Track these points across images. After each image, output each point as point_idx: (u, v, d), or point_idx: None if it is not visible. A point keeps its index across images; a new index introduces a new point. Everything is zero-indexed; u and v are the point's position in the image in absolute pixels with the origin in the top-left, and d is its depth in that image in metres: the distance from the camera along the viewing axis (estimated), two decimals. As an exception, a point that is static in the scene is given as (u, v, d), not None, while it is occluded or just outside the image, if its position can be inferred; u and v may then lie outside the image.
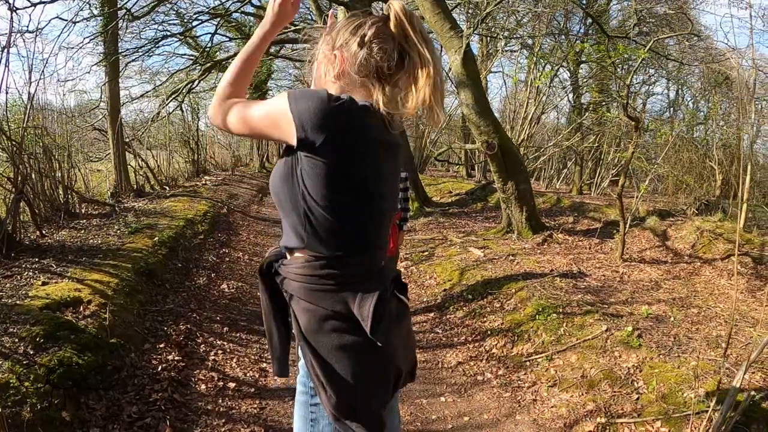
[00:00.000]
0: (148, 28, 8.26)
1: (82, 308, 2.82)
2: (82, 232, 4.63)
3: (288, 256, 1.26)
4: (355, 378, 1.16)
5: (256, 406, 2.70)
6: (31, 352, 2.18)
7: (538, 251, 5.77)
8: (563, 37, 9.90)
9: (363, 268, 1.19)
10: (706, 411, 2.42)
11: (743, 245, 4.88)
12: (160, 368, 2.76)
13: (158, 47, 7.61)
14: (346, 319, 1.16)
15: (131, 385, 2.48)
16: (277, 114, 1.11)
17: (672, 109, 12.37)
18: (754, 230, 5.20)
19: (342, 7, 8.66)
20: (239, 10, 8.22)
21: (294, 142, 1.09)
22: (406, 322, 1.32)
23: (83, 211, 5.52)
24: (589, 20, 9.56)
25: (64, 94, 8.06)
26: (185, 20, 8.60)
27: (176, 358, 2.96)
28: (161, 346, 3.07)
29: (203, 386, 2.78)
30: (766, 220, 5.95)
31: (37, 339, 2.27)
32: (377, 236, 1.23)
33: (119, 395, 2.35)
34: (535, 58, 9.48)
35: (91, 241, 4.33)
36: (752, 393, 2.55)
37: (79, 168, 6.14)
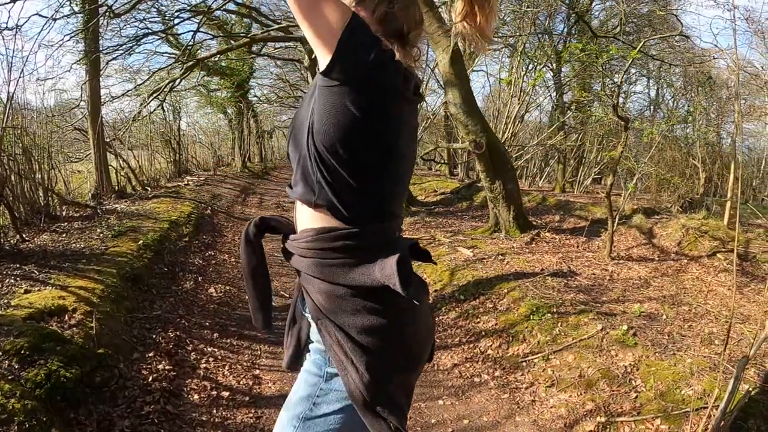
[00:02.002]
0: (128, 26, 8.07)
1: (67, 317, 2.70)
2: (64, 235, 4.47)
3: (296, 230, 1.19)
4: (387, 357, 1.08)
5: (252, 415, 2.62)
6: (16, 367, 2.07)
7: (527, 250, 5.78)
8: (546, 36, 9.97)
9: (380, 239, 1.11)
10: (706, 407, 2.43)
11: (728, 242, 4.97)
12: (150, 378, 2.66)
13: (139, 45, 7.44)
14: (370, 295, 1.07)
15: (122, 397, 2.38)
16: (333, 16, 0.99)
17: (652, 107, 12.59)
18: (737, 227, 5.29)
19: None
20: (221, 8, 8.09)
21: (323, 58, 1.00)
22: (426, 296, 1.24)
23: (64, 213, 5.33)
24: (572, 20, 9.66)
25: (44, 93, 7.80)
26: (166, 18, 8.41)
27: (167, 367, 2.86)
28: (150, 354, 2.96)
29: (196, 396, 2.69)
30: (747, 217, 6.06)
31: (22, 352, 2.16)
32: (395, 203, 1.16)
33: (110, 409, 2.25)
34: (519, 58, 9.52)
35: (74, 245, 4.18)
36: (748, 389, 2.58)
37: (59, 169, 5.94)
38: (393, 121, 1.08)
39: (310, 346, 1.20)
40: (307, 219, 1.14)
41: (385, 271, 1.04)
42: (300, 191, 1.12)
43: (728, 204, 5.03)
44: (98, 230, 4.78)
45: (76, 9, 6.05)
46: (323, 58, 1.00)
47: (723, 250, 4.85)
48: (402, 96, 1.08)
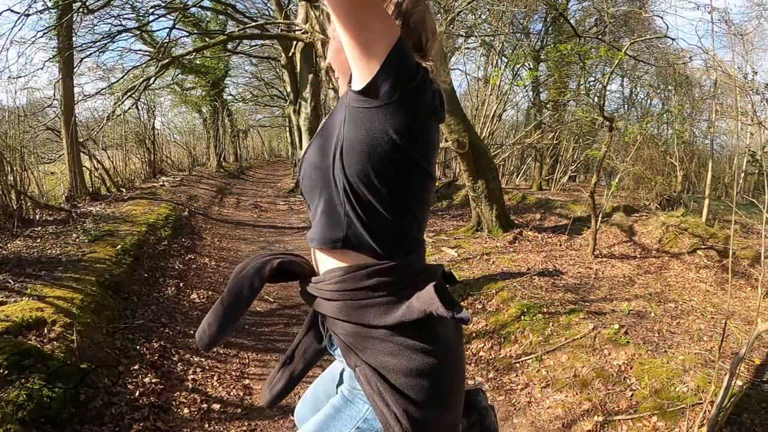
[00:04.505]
0: (102, 23, 7.78)
1: (46, 330, 2.55)
2: (39, 241, 4.26)
3: (318, 272, 1.09)
4: (432, 402, 0.99)
5: (245, 428, 2.53)
6: (-5, 387, 1.94)
7: (511, 249, 5.81)
8: (524, 35, 10.05)
9: (413, 270, 1.02)
10: (701, 403, 2.46)
11: (708, 239, 5.08)
12: (137, 393, 2.54)
13: (113, 42, 7.16)
14: (413, 333, 0.98)
15: (108, 415, 2.25)
16: (383, 32, 0.87)
17: (626, 106, 12.87)
18: (715, 224, 5.42)
19: (304, 2, 8.44)
20: (197, 5, 7.88)
21: (363, 76, 0.89)
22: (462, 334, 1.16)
23: (38, 217, 5.09)
24: (550, 19, 9.76)
25: (15, 92, 7.44)
26: (141, 15, 8.15)
27: (153, 380, 2.74)
28: (135, 367, 2.83)
29: (186, 410, 2.58)
30: (722, 213, 6.22)
31: (1, 370, 2.02)
32: (422, 230, 1.08)
33: (97, 428, 2.13)
34: (497, 57, 9.59)
35: (49, 251, 3.98)
36: (742, 384, 2.62)
37: (32, 170, 5.68)
38: (427, 143, 1.00)
39: (344, 385, 1.11)
40: (332, 258, 1.04)
41: (423, 297, 0.96)
42: (324, 230, 1.01)
43: (706, 201, 5.14)
44: (74, 235, 4.58)
45: (50, 4, 5.80)
46: (363, 76, 0.90)
47: (703, 246, 4.95)
48: (435, 116, 1.01)
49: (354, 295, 0.99)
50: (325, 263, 1.06)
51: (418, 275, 1.03)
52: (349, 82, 0.96)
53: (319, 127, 1.07)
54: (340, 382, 1.17)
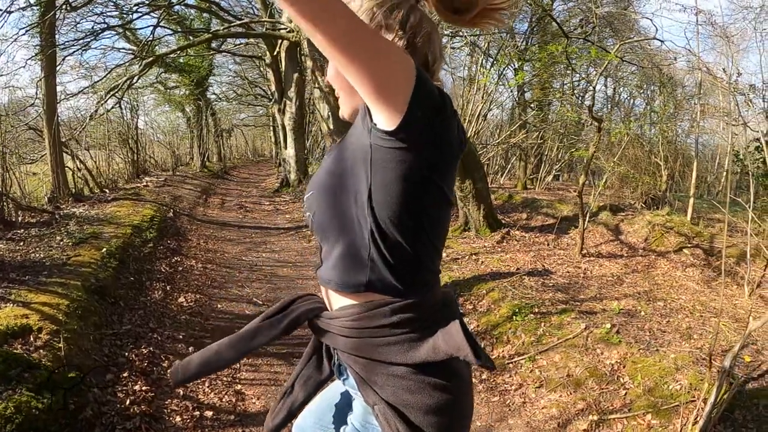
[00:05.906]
0: (85, 20, 7.61)
1: (32, 338, 2.48)
2: (22, 244, 4.14)
3: (330, 308, 1.04)
4: None
5: (240, 435, 2.49)
6: (-19, 399, 1.87)
7: (499, 249, 5.83)
8: (509, 35, 10.10)
9: (433, 303, 0.99)
10: (694, 401, 2.49)
11: (693, 238, 5.16)
12: (128, 402, 2.48)
13: (97, 40, 7.01)
14: (434, 370, 0.95)
15: (99, 425, 2.19)
16: (398, 66, 0.80)
17: (610, 105, 13.05)
18: (700, 223, 5.51)
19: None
20: (181, 2, 7.74)
21: (387, 116, 0.82)
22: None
23: (20, 219, 4.95)
24: (535, 19, 9.84)
25: (-3, 91, 7.23)
26: (124, 12, 8.00)
27: (143, 387, 2.68)
28: (125, 375, 2.77)
29: (178, 418, 2.52)
30: (706, 212, 6.33)
31: (-14, 381, 1.95)
32: (440, 260, 1.03)
33: (88, 439, 2.08)
34: (482, 57, 9.62)
35: (33, 255, 3.87)
36: (734, 382, 2.66)
37: (14, 171, 5.53)
38: (451, 173, 0.96)
39: (357, 417, 1.08)
40: (349, 298, 1.00)
41: (452, 341, 0.92)
42: (343, 274, 0.96)
43: (691, 200, 5.22)
44: (58, 237, 4.46)
45: (32, 1, 5.65)
46: (389, 118, 0.83)
47: (689, 245, 5.03)
48: (460, 149, 0.95)
49: (374, 333, 0.95)
50: (340, 300, 1.01)
51: (437, 309, 1.00)
52: (369, 116, 0.88)
53: (328, 161, 1.00)
54: (348, 407, 1.15)
